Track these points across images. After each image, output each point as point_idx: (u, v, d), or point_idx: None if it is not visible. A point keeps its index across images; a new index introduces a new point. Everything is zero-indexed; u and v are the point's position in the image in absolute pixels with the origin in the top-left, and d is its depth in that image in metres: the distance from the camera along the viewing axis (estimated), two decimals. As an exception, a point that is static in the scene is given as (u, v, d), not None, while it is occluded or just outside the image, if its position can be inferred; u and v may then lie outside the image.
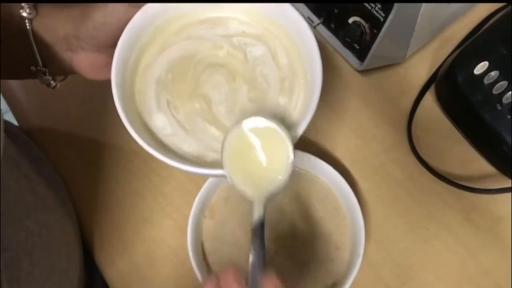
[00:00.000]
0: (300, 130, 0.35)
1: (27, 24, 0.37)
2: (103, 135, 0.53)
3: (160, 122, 0.37)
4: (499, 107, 0.45)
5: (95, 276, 0.51)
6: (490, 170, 0.50)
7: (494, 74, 0.45)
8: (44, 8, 0.38)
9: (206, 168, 0.34)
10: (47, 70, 0.40)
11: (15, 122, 0.56)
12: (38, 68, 0.40)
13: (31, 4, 0.37)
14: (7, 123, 0.50)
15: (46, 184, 0.44)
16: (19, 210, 0.35)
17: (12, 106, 0.56)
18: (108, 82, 0.52)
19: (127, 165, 0.52)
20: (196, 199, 0.44)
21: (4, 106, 0.57)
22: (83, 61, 0.40)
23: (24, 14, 0.37)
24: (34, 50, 0.38)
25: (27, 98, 0.56)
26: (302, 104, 0.37)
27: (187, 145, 0.36)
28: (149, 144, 0.34)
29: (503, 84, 0.44)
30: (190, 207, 0.45)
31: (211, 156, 0.36)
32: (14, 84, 0.56)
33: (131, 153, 0.52)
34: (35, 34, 0.38)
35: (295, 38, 0.38)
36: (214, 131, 0.37)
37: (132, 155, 0.52)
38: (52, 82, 0.42)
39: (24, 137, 0.53)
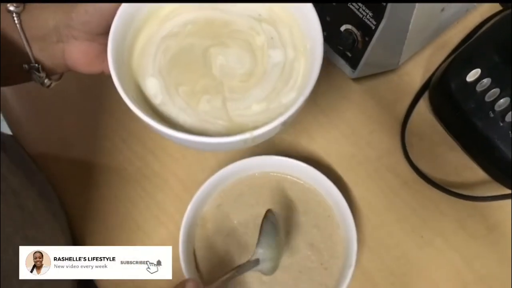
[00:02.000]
0: (307, 92, 0.34)
1: (15, 19, 0.36)
2: (96, 142, 0.53)
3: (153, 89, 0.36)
4: (491, 115, 0.45)
5: (90, 286, 0.50)
6: (484, 177, 0.49)
7: (486, 81, 0.45)
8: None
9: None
10: (40, 66, 0.39)
11: (7, 129, 0.56)
12: (31, 65, 0.39)
13: None
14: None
15: (37, 195, 0.43)
16: (7, 228, 0.35)
17: (5, 113, 0.56)
18: (101, 91, 0.52)
19: (121, 172, 0.52)
20: (189, 207, 0.44)
21: (-3, 113, 0.57)
22: (75, 52, 0.39)
23: (12, 8, 0.36)
24: (25, 44, 0.37)
25: (20, 105, 0.56)
26: (304, 69, 0.37)
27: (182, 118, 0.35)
28: (142, 111, 0.33)
29: (496, 91, 0.44)
30: (183, 215, 0.45)
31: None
32: (7, 90, 0.56)
33: (125, 160, 0.52)
34: (24, 28, 0.37)
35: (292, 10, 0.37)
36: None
37: (126, 162, 0.52)
38: (46, 80, 0.41)
39: (15, 146, 0.53)
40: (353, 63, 0.48)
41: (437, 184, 0.48)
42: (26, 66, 0.39)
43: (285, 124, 0.34)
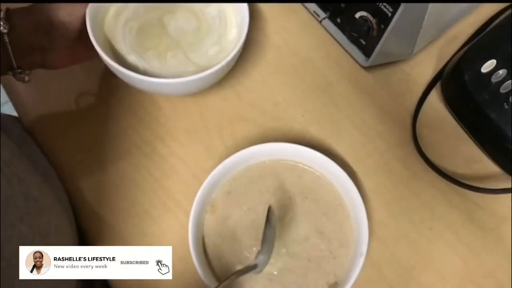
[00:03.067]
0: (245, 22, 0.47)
1: (5, 38, 0.42)
2: (103, 127, 0.53)
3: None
4: (506, 106, 0.44)
5: (93, 285, 0.50)
6: (495, 170, 0.49)
7: (502, 72, 0.44)
8: (16, 17, 0.42)
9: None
10: (21, 70, 0.45)
11: (14, 113, 0.55)
12: (14, 71, 0.45)
13: (4, 19, 0.41)
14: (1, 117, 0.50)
15: (42, 181, 0.42)
16: (11, 215, 0.34)
17: (12, 96, 0.56)
18: (109, 78, 0.52)
19: (128, 158, 0.51)
20: (198, 193, 0.44)
21: (4, 96, 0.56)
22: (55, 59, 0.47)
23: (2, 29, 0.42)
24: (11, 58, 0.43)
25: (26, 89, 0.55)
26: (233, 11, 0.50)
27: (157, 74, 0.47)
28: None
29: (511, 83, 0.44)
30: (191, 202, 0.44)
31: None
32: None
33: (132, 146, 0.52)
34: (11, 45, 0.42)
35: None
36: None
37: (133, 148, 0.52)
38: (26, 77, 0.46)
39: (20, 131, 0.52)
40: (367, 51, 0.48)
41: (448, 175, 0.48)
42: (10, 72, 0.45)
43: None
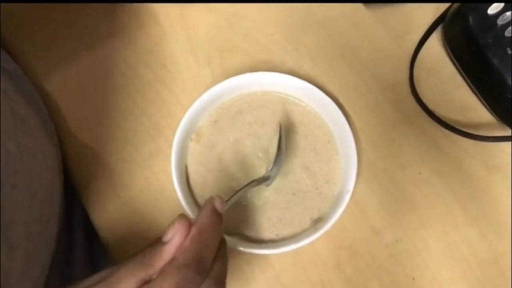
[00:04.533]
0: None
1: None
2: (86, 50, 0.50)
3: None
4: (509, 51, 0.42)
5: (74, 199, 0.48)
6: (489, 118, 0.48)
7: (509, 14, 0.42)
8: None
9: None
10: None
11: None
12: None
13: None
14: None
15: (26, 102, 0.40)
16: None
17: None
18: None
19: (112, 83, 0.49)
20: (182, 121, 0.42)
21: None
22: None
23: None
24: None
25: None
26: None
27: None
28: None
29: (517, 26, 0.42)
30: (175, 129, 0.43)
31: None
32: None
33: (115, 69, 0.49)
34: None
35: None
36: None
37: (117, 72, 0.49)
38: None
39: None
40: (370, -18, 0.45)
41: (440, 119, 0.46)
42: None
43: None
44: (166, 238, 0.31)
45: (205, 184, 0.42)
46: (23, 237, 0.33)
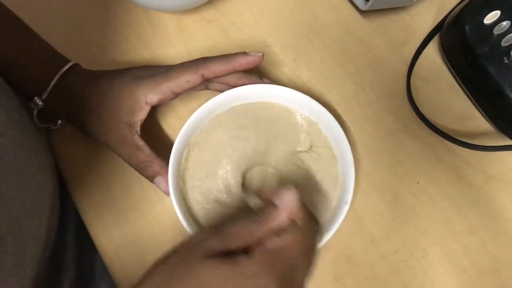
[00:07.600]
0: None
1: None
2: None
3: None
4: (506, 61, 0.42)
5: (67, 200, 0.48)
6: (487, 128, 0.48)
7: (505, 24, 0.42)
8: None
9: None
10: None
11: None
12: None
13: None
14: None
15: (19, 106, 0.40)
16: None
17: None
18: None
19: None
20: (180, 133, 0.42)
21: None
22: None
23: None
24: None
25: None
26: None
27: None
28: None
29: (514, 35, 0.42)
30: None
31: None
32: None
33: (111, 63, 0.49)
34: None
35: None
36: None
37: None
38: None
39: None
40: (367, -7, 0.45)
41: (438, 129, 0.46)
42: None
43: None
44: (278, 202, 0.32)
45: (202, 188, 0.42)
46: (13, 232, 0.34)
